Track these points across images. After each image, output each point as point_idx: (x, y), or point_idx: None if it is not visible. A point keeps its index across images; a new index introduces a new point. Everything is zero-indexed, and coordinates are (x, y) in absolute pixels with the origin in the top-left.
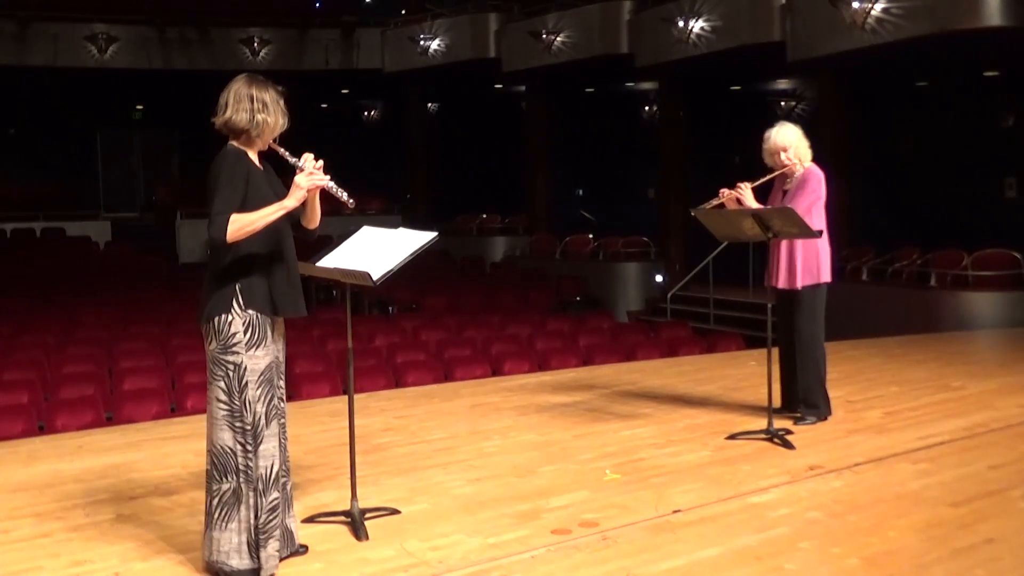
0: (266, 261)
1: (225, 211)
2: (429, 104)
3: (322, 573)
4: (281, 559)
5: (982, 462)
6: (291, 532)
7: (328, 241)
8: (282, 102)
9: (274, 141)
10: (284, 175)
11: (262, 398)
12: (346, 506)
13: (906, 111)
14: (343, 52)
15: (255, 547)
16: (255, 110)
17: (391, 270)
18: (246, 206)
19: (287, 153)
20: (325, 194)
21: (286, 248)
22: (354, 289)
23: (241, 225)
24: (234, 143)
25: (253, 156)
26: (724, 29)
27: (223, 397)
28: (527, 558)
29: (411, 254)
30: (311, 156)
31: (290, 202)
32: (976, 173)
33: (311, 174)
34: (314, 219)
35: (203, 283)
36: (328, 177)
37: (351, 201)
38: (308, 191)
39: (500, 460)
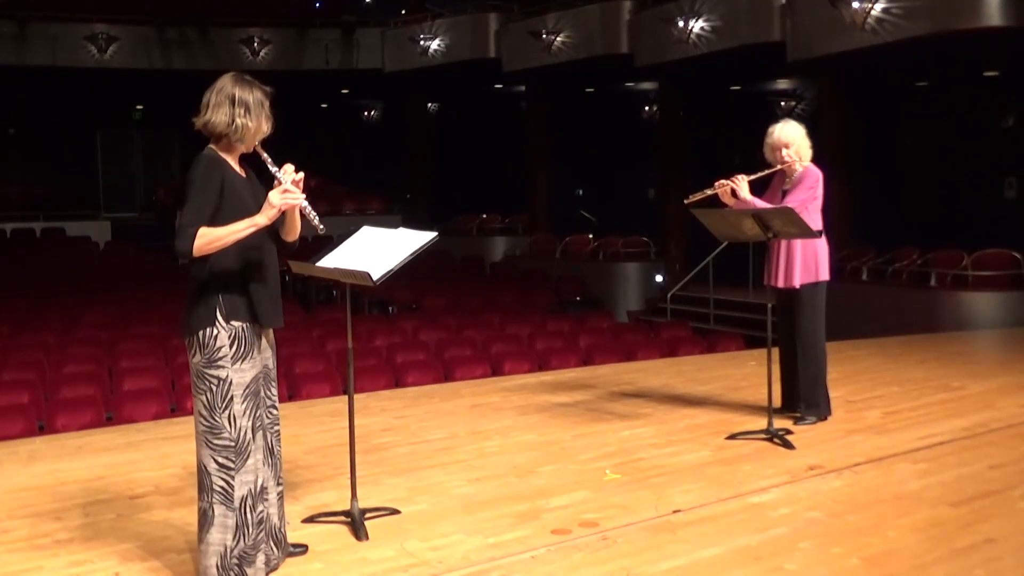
0: (246, 273)
1: (193, 224)
2: (429, 104)
3: (322, 573)
4: (274, 566)
5: (982, 462)
6: (284, 536)
7: (328, 241)
8: (267, 105)
9: (259, 144)
10: (264, 179)
11: (247, 412)
12: (346, 506)
13: (906, 111)
14: (343, 52)
15: (230, 571)
16: (235, 114)
17: (391, 270)
18: (221, 216)
19: (269, 160)
20: (320, 190)
21: (267, 259)
22: (354, 289)
23: (208, 240)
24: (213, 147)
25: (232, 161)
26: (724, 29)
27: (204, 412)
28: (527, 558)
29: (411, 254)
30: (291, 168)
31: (261, 219)
32: (976, 173)
33: (286, 191)
34: (293, 232)
35: (186, 294)
36: (303, 196)
37: (322, 228)
38: (279, 209)
39: (500, 460)
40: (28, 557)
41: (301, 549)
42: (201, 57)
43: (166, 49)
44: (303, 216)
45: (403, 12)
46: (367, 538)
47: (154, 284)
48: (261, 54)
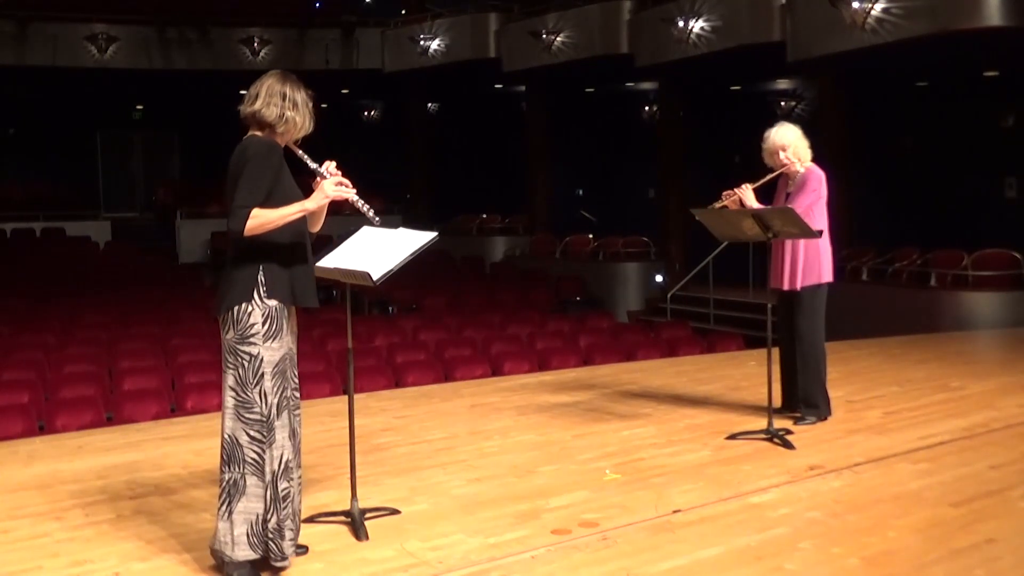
0: (288, 252)
1: (248, 204)
2: (429, 104)
3: (322, 573)
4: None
5: (982, 462)
6: (299, 525)
7: (328, 241)
8: (311, 105)
9: (295, 143)
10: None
11: (276, 389)
12: (346, 506)
13: (906, 111)
14: (343, 52)
15: (265, 538)
16: (285, 107)
17: (391, 270)
18: (271, 200)
19: (307, 157)
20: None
21: (306, 240)
22: (354, 289)
23: (261, 222)
24: (258, 133)
25: None
26: (724, 29)
27: (235, 387)
28: (527, 558)
29: (411, 254)
30: (333, 164)
31: (311, 204)
32: (976, 173)
33: (340, 183)
34: (318, 224)
35: (222, 272)
36: (354, 191)
37: (377, 219)
38: (331, 198)
39: (500, 460)
40: (28, 557)
41: (301, 549)
42: (201, 57)
43: (166, 49)
44: (356, 209)
45: (403, 12)
46: (367, 538)
47: (154, 284)
48: (261, 54)
